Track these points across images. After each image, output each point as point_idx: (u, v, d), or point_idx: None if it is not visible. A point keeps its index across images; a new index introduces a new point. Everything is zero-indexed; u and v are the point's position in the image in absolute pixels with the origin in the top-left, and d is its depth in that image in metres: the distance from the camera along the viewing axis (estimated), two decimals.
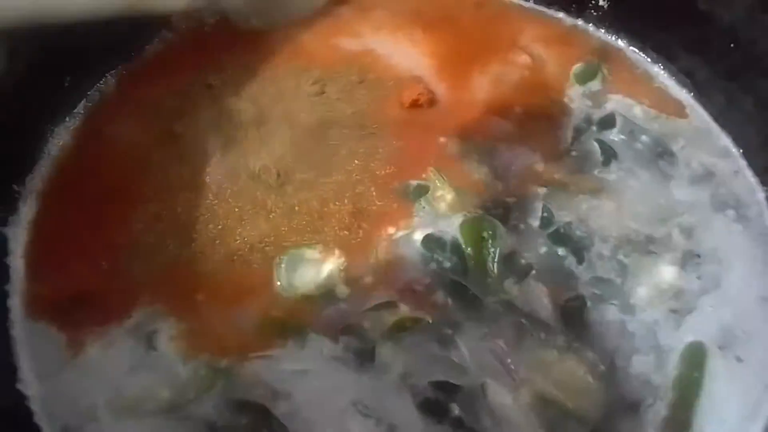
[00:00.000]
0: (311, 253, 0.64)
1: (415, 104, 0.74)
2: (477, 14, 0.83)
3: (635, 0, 0.81)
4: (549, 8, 0.85)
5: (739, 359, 0.61)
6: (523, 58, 0.78)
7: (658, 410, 0.58)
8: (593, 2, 0.83)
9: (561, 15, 0.85)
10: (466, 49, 0.79)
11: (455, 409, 0.57)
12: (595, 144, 0.72)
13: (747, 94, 0.73)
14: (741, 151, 0.73)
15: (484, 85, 0.76)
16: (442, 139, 0.72)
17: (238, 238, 0.65)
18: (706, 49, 0.76)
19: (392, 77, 0.77)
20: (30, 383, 0.58)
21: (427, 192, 0.68)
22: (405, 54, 0.79)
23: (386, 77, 0.77)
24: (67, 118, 0.73)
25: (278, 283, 0.63)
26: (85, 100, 0.75)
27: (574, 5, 0.85)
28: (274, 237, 0.65)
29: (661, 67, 0.80)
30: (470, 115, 0.74)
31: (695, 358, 0.60)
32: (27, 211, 0.67)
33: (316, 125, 0.73)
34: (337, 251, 0.64)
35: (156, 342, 0.59)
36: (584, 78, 0.77)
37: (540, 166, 0.70)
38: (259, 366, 0.59)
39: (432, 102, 0.74)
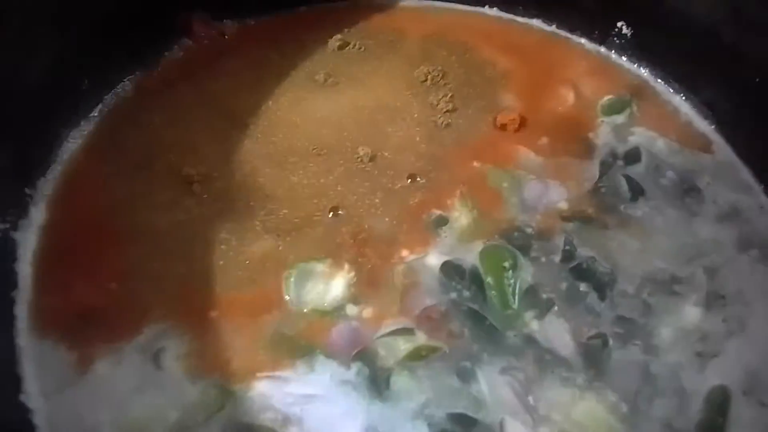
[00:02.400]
0: (320, 267, 0.63)
1: (503, 128, 0.74)
2: (537, 43, 0.83)
3: (658, 29, 0.80)
4: (572, 34, 0.85)
5: (762, 404, 0.59)
6: (571, 95, 0.77)
7: None
8: (616, 30, 0.83)
9: (583, 41, 0.85)
10: (530, 78, 0.79)
11: None
12: (623, 179, 0.71)
13: None
14: (764, 186, 0.73)
15: (527, 115, 0.76)
16: (475, 164, 0.71)
17: (250, 252, 0.64)
18: (729, 81, 0.76)
19: None
20: (34, 396, 0.56)
21: (446, 223, 0.67)
22: None
23: None
24: (83, 123, 0.72)
25: (287, 297, 0.61)
26: (101, 104, 0.74)
27: (596, 32, 0.84)
28: (285, 253, 0.64)
29: (684, 98, 0.79)
30: (505, 144, 0.73)
31: (719, 402, 0.58)
32: (38, 216, 0.66)
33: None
34: (347, 266, 0.63)
35: (163, 360, 0.58)
36: (611, 111, 0.77)
37: (568, 201, 0.69)
38: (268, 387, 0.57)
39: (521, 125, 0.74)
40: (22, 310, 0.60)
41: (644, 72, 0.82)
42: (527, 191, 0.69)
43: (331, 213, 0.67)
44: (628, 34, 0.83)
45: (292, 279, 0.62)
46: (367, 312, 0.61)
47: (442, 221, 0.67)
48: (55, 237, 0.65)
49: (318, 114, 0.75)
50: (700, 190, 0.71)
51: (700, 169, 0.73)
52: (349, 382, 0.57)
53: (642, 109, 0.78)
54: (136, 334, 0.59)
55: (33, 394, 0.56)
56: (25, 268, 0.63)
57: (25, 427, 0.54)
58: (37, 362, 0.58)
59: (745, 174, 0.74)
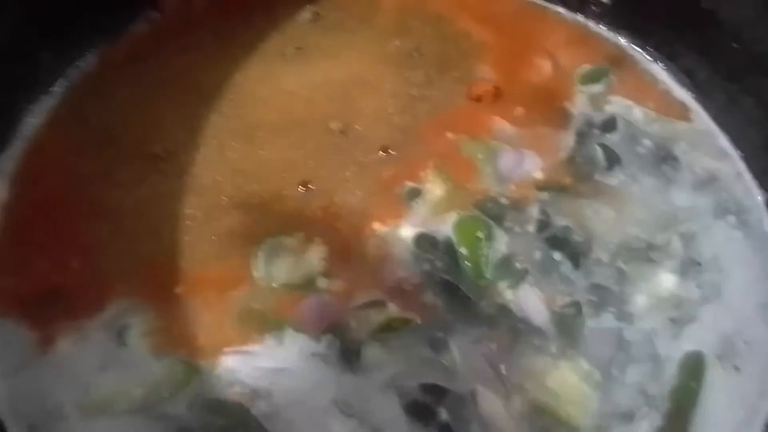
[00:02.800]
0: (290, 242, 0.62)
1: (478, 99, 0.72)
2: (514, 13, 0.81)
3: None
4: (549, 3, 0.84)
5: (736, 368, 0.59)
6: (547, 65, 0.76)
7: (653, 420, 0.56)
8: None
9: (561, 10, 0.83)
10: (506, 48, 0.78)
11: (443, 414, 0.55)
12: (598, 148, 0.70)
13: (749, 95, 0.72)
14: (741, 153, 0.72)
15: (503, 85, 0.74)
16: (449, 135, 0.70)
17: (217, 227, 0.63)
18: (707, 48, 0.75)
19: None
20: None
21: (419, 195, 0.66)
22: None
23: None
24: (44, 97, 0.70)
25: (255, 273, 0.60)
26: (63, 78, 0.72)
27: (574, 0, 0.83)
28: (253, 228, 0.63)
29: (662, 66, 0.78)
30: (480, 115, 0.72)
31: (694, 368, 0.58)
32: None
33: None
34: (317, 239, 0.62)
35: (127, 337, 0.57)
36: (588, 80, 0.75)
37: (543, 170, 0.68)
38: (235, 362, 0.56)
39: (496, 96, 0.73)
40: None
41: (622, 40, 0.81)
42: (502, 161, 0.68)
43: (301, 187, 0.66)
44: (608, 3, 0.81)
45: (261, 254, 0.61)
46: (338, 285, 0.60)
47: (416, 193, 0.66)
48: (16, 215, 0.63)
49: (288, 87, 0.73)
50: (676, 158, 0.70)
51: (677, 137, 0.72)
52: (318, 355, 0.57)
53: (620, 78, 0.76)
54: (99, 311, 0.57)
55: None
56: None
57: None
58: None
59: (723, 141, 0.73)
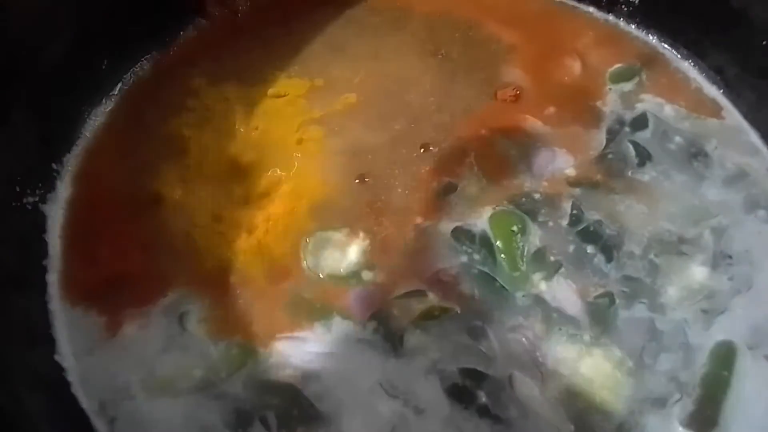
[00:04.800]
0: (337, 236, 0.65)
1: (504, 101, 0.75)
2: (543, 14, 0.83)
3: None
4: (579, 3, 0.85)
5: (767, 358, 0.61)
6: (577, 65, 0.78)
7: (685, 406, 0.58)
8: None
9: (591, 9, 0.85)
10: (536, 50, 0.80)
11: (482, 397, 0.58)
12: (630, 146, 0.71)
13: None
14: None
15: (532, 87, 0.77)
16: (484, 132, 0.72)
17: (268, 221, 0.66)
18: (737, 45, 0.76)
19: None
20: (67, 357, 0.60)
21: (455, 190, 0.68)
22: None
23: None
24: (104, 100, 0.75)
25: (304, 264, 0.64)
26: (121, 83, 0.76)
27: (604, 0, 0.84)
28: (304, 221, 0.66)
29: (692, 64, 0.80)
30: (513, 114, 0.74)
31: (725, 356, 0.60)
32: (64, 190, 0.69)
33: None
34: (362, 234, 0.65)
35: (187, 323, 0.61)
36: (619, 78, 0.77)
37: (575, 167, 0.70)
38: (287, 347, 0.60)
39: (517, 98, 0.75)
40: (53, 278, 0.64)
41: (652, 39, 0.82)
42: (535, 158, 0.71)
43: (358, 180, 0.69)
44: (636, 1, 0.83)
45: (309, 247, 0.64)
46: (381, 277, 0.63)
47: (452, 188, 0.69)
48: (81, 210, 0.68)
49: (331, 85, 0.77)
50: (707, 154, 0.72)
51: (707, 134, 0.74)
52: (364, 341, 0.60)
53: (650, 77, 0.78)
54: (160, 298, 0.62)
55: (66, 354, 0.59)
56: (54, 239, 0.66)
57: (61, 383, 0.58)
58: (69, 326, 0.61)
59: (753, 137, 0.74)
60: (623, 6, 0.84)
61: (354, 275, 0.63)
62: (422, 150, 0.72)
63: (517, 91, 0.76)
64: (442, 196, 0.68)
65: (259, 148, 0.72)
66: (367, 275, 0.63)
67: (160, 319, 0.61)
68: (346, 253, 0.64)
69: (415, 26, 0.83)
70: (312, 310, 0.62)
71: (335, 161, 0.71)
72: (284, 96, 0.76)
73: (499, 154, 0.71)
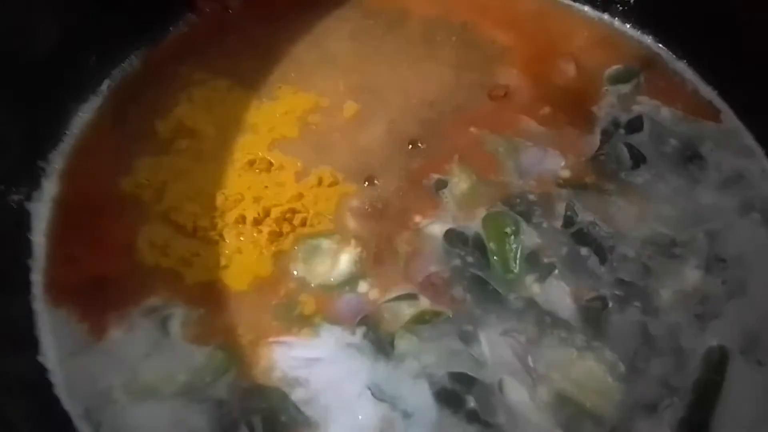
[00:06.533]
0: (327, 243, 0.64)
1: (497, 98, 0.75)
2: (539, 14, 0.82)
3: None
4: (574, 2, 0.84)
5: (760, 363, 0.60)
6: (571, 67, 0.77)
7: (676, 411, 0.58)
8: None
9: (586, 8, 0.84)
10: (530, 52, 0.79)
11: (471, 402, 0.57)
12: (624, 148, 0.71)
13: None
14: (765, 150, 0.73)
15: (527, 87, 0.76)
16: (473, 130, 0.72)
17: (256, 225, 0.65)
18: (733, 46, 0.75)
19: None
20: (51, 359, 0.59)
21: (446, 186, 0.67)
22: None
23: None
24: (91, 97, 0.74)
25: (294, 272, 0.63)
26: (108, 79, 0.75)
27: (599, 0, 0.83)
28: (293, 225, 0.65)
29: (688, 64, 0.79)
30: (506, 113, 0.73)
31: (717, 362, 0.59)
32: (50, 188, 0.68)
33: None
34: (353, 241, 0.64)
35: (171, 327, 0.60)
36: (617, 80, 0.76)
37: (566, 168, 0.70)
38: (274, 352, 0.59)
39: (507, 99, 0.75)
40: (37, 278, 0.63)
41: (649, 39, 0.81)
42: (524, 157, 0.70)
43: (366, 183, 0.68)
44: (631, 1, 0.82)
45: (299, 255, 0.63)
46: (372, 280, 0.63)
47: (443, 184, 0.68)
48: (66, 208, 0.67)
49: (319, 88, 0.75)
50: (702, 157, 0.71)
51: (703, 136, 0.73)
52: (353, 345, 0.59)
53: (648, 79, 0.77)
54: (143, 300, 0.61)
55: (50, 356, 0.58)
56: (39, 238, 0.65)
57: (44, 384, 0.57)
58: (52, 328, 0.60)
59: (748, 139, 0.74)
60: (618, 5, 0.83)
61: (344, 283, 0.62)
62: (410, 146, 0.71)
63: (506, 90, 0.75)
64: (434, 192, 0.67)
65: (248, 148, 0.70)
66: (357, 283, 0.62)
67: (144, 321, 0.60)
68: (337, 261, 0.63)
69: (410, 30, 0.81)
70: (300, 315, 0.61)
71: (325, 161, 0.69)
72: (275, 99, 0.74)
73: (487, 150, 0.71)
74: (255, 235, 0.64)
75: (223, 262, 0.63)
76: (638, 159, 0.71)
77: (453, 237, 0.65)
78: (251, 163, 0.69)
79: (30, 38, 0.67)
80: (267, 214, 0.65)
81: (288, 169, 0.69)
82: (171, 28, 0.80)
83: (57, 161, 0.69)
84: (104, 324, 0.60)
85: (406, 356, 0.58)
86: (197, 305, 0.61)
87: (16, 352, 0.58)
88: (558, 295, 0.62)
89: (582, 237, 0.65)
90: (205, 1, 0.83)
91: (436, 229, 0.65)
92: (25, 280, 0.62)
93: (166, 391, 0.57)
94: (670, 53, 0.80)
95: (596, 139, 0.72)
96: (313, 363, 0.58)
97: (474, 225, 0.65)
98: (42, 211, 0.66)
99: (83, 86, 0.73)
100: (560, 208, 0.67)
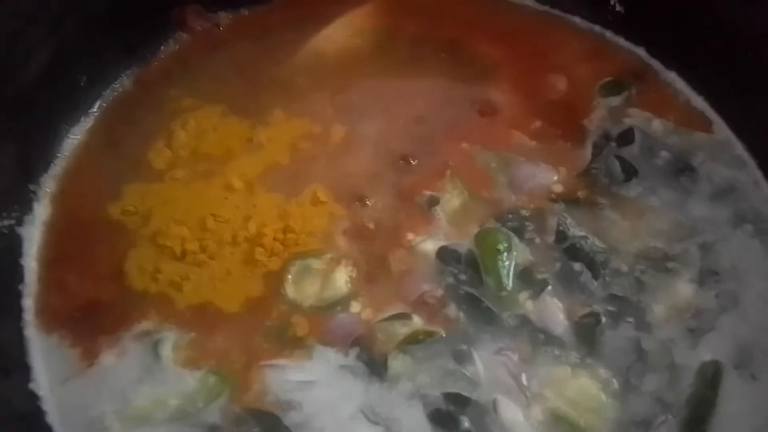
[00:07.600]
0: (319, 263, 0.64)
1: (488, 113, 0.74)
2: (528, 27, 0.82)
3: (652, 5, 0.79)
4: (565, 14, 0.84)
5: (754, 377, 0.60)
6: (562, 80, 0.77)
7: (670, 427, 0.58)
8: (610, 7, 0.82)
9: (577, 20, 0.83)
10: (520, 67, 0.78)
11: (465, 422, 0.57)
12: (616, 161, 0.71)
13: (765, 104, 0.72)
14: (759, 161, 0.72)
15: (517, 102, 0.76)
16: (464, 145, 0.72)
17: (245, 246, 0.65)
18: (724, 57, 0.75)
19: None
20: (42, 385, 0.59)
21: (438, 202, 0.67)
22: None
23: None
24: (83, 119, 0.73)
25: (286, 294, 0.63)
26: (100, 100, 0.75)
27: (589, 11, 0.83)
28: (283, 246, 0.65)
29: (679, 75, 0.78)
30: (497, 129, 0.73)
31: (711, 377, 0.59)
32: (41, 212, 0.67)
33: None
34: (344, 261, 0.64)
35: (162, 351, 0.60)
36: (608, 92, 0.76)
37: (558, 182, 0.69)
38: (266, 375, 0.59)
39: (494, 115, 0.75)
40: (28, 304, 0.63)
41: (640, 51, 0.81)
42: (516, 171, 0.70)
43: (357, 201, 0.68)
44: (621, 11, 0.82)
45: (290, 276, 0.63)
46: (365, 300, 0.62)
47: (434, 201, 0.68)
48: (57, 233, 0.67)
49: (306, 108, 0.75)
50: (694, 169, 0.71)
51: (694, 148, 0.73)
52: (347, 367, 0.59)
53: (639, 91, 0.77)
54: (135, 325, 0.61)
55: (42, 383, 0.58)
56: (30, 263, 0.65)
57: (36, 412, 0.57)
58: (44, 355, 0.60)
59: (740, 150, 0.73)
60: (609, 16, 0.83)
61: (336, 304, 0.62)
62: (402, 162, 0.71)
63: (496, 105, 0.75)
64: (426, 209, 0.67)
65: (238, 172, 0.70)
66: (349, 303, 0.62)
67: (135, 346, 0.60)
68: (328, 281, 0.63)
69: (397, 50, 0.80)
70: (293, 338, 0.60)
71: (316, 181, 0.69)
72: (268, 125, 0.73)
73: (479, 166, 0.70)
74: (245, 256, 0.64)
75: (213, 284, 0.63)
76: (630, 172, 0.70)
77: (446, 254, 0.65)
78: (240, 185, 0.69)
79: (19, 60, 0.66)
80: (257, 234, 0.65)
81: (278, 191, 0.68)
82: (161, 47, 0.80)
83: (49, 184, 0.69)
84: (96, 349, 0.60)
85: (400, 377, 0.58)
86: (188, 328, 0.61)
87: (7, 380, 0.58)
88: (551, 311, 0.62)
89: (575, 252, 0.65)
90: (195, 20, 0.83)
91: (429, 246, 0.65)
92: (17, 305, 0.62)
93: (159, 417, 0.57)
94: (662, 64, 0.80)
95: (588, 152, 0.72)
96: (306, 386, 0.58)
97: (466, 242, 0.65)
98: (33, 236, 0.66)
99: (74, 108, 0.73)
100: (552, 223, 0.66)
